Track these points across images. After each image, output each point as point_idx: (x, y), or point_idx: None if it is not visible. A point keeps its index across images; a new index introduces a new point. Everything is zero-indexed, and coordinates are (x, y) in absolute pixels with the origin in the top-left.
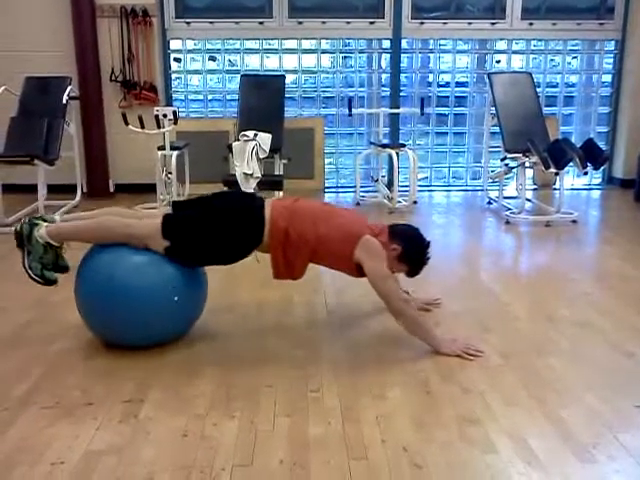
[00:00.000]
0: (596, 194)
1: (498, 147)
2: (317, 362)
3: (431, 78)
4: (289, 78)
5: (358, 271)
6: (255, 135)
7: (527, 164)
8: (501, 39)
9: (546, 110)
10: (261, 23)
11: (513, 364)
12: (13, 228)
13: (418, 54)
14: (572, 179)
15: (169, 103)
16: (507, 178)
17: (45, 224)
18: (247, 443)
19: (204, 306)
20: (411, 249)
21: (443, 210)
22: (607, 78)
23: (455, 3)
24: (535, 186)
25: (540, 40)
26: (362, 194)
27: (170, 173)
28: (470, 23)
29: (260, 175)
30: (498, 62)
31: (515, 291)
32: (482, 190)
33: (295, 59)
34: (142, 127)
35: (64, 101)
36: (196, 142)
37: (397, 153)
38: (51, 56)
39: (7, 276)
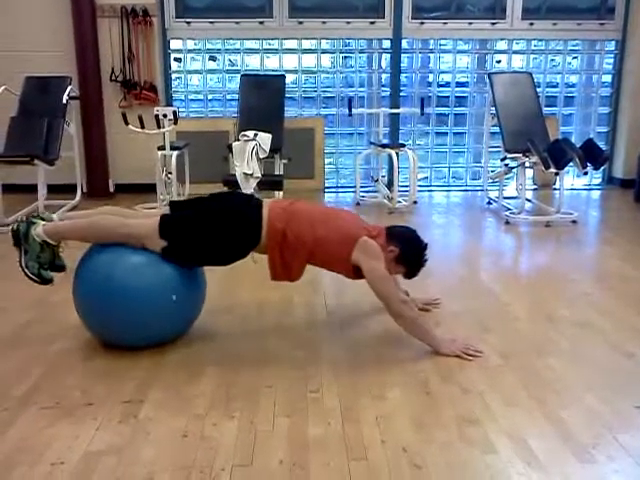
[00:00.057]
0: (596, 194)
1: (498, 147)
2: (317, 362)
3: (431, 78)
4: (289, 78)
5: (355, 273)
6: (255, 135)
7: (527, 164)
8: (501, 39)
9: (546, 110)
10: (261, 23)
11: (513, 364)
12: (8, 226)
13: (418, 54)
14: (572, 179)
15: (169, 103)
16: (507, 178)
17: (42, 223)
18: (247, 443)
19: (203, 306)
20: (409, 251)
21: (443, 210)
22: (607, 78)
23: (455, 3)
24: (535, 186)
25: (540, 40)
26: (362, 194)
27: (170, 173)
28: (470, 23)
29: (260, 175)
30: (498, 62)
31: (515, 291)
32: (482, 190)
33: (295, 59)
34: (142, 127)
35: (64, 101)
36: (196, 142)
37: (397, 153)
38: (51, 56)
39: (7, 276)
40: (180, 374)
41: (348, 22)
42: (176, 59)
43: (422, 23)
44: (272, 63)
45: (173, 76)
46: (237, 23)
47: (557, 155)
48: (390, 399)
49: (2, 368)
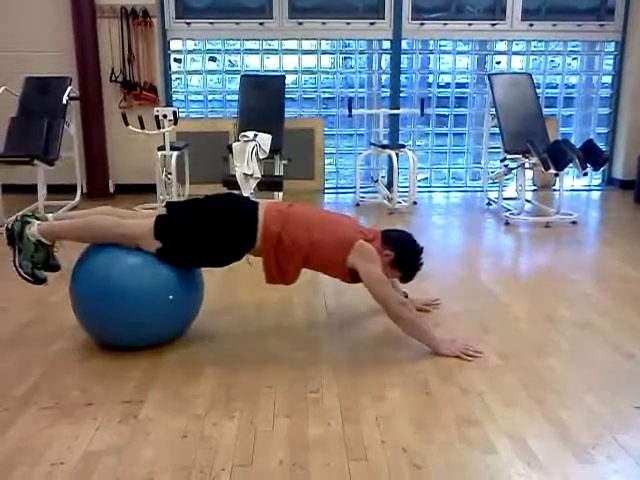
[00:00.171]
0: (596, 195)
1: (498, 148)
2: (317, 363)
3: (431, 79)
4: (289, 79)
5: (351, 277)
6: (255, 135)
7: (527, 165)
8: (501, 40)
9: (546, 111)
10: (261, 24)
11: (513, 365)
12: (5, 226)
13: (418, 55)
14: (572, 180)
15: (169, 103)
16: (507, 179)
17: (37, 222)
18: (247, 443)
19: (200, 307)
20: (404, 255)
21: (443, 211)
22: (607, 79)
23: (455, 4)
24: (535, 187)
25: (540, 41)
26: (362, 195)
27: (170, 173)
28: (470, 24)
29: (260, 176)
30: (498, 63)
31: (515, 292)
32: (482, 191)
33: (295, 60)
34: (142, 127)
35: (64, 101)
36: (196, 142)
37: (397, 154)
38: (51, 56)
39: (7, 276)
40: (180, 374)
41: (348, 23)
42: (176, 60)
43: (422, 24)
44: (272, 64)
45: (173, 77)
46: (237, 24)
47: (557, 156)
48: (390, 399)
49: (2, 368)
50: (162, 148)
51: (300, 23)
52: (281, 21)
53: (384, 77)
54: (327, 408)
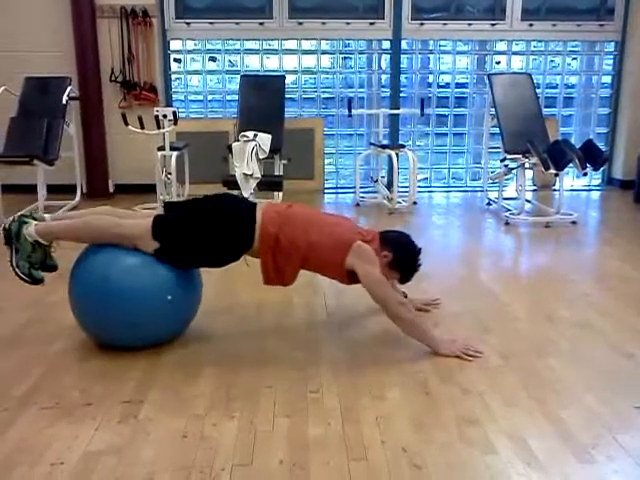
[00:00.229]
0: (596, 195)
1: (498, 148)
2: (317, 363)
3: (431, 79)
4: (289, 79)
5: (349, 278)
6: (255, 135)
7: (527, 165)
8: (501, 40)
9: (546, 111)
10: (261, 24)
11: (513, 365)
12: (2, 226)
13: (418, 55)
14: (572, 180)
15: (169, 103)
16: (507, 179)
17: (34, 222)
18: (247, 443)
19: (199, 307)
20: (402, 256)
21: (443, 211)
22: (607, 79)
23: (455, 4)
24: (535, 187)
25: (540, 41)
26: (362, 195)
27: (170, 173)
28: (470, 24)
29: (260, 176)
30: (498, 63)
31: (515, 292)
32: (482, 191)
33: (295, 60)
34: (142, 127)
35: (64, 101)
36: (196, 143)
37: (397, 154)
38: (51, 56)
39: (6, 276)
40: (180, 374)
41: (348, 23)
42: (176, 60)
43: (422, 24)
44: (272, 64)
45: (173, 77)
46: (237, 24)
47: (557, 156)
48: (390, 399)
49: (2, 368)
50: (162, 148)
51: (300, 23)
52: (281, 21)
53: (384, 77)
54: (327, 408)
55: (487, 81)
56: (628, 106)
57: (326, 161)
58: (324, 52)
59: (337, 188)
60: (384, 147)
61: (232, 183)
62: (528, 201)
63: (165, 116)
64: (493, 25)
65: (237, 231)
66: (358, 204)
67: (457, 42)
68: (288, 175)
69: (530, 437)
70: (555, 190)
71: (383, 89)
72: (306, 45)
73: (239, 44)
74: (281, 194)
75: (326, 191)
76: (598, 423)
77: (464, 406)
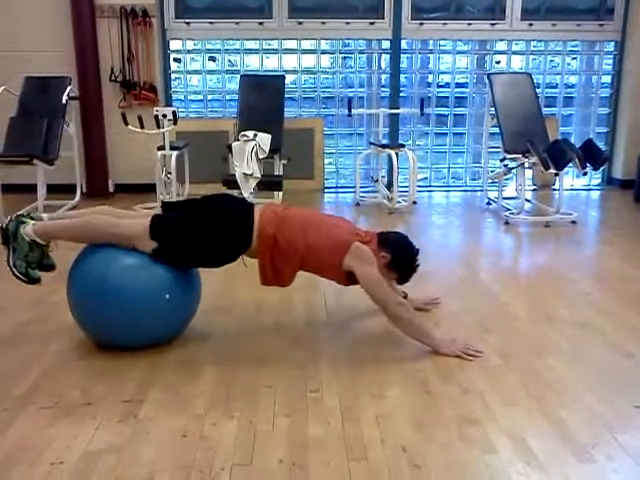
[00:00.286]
0: (595, 195)
1: (497, 148)
2: (317, 362)
3: (431, 79)
4: (289, 78)
5: (347, 279)
6: (255, 135)
7: (526, 165)
8: (501, 40)
9: (546, 111)
10: (261, 23)
11: (513, 364)
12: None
13: (418, 55)
14: (571, 180)
15: (169, 103)
16: (506, 179)
17: (32, 222)
18: (246, 443)
19: (198, 306)
20: (400, 257)
21: (442, 210)
22: (607, 79)
23: (455, 4)
24: (534, 187)
25: (540, 41)
26: (362, 194)
27: (170, 173)
28: (470, 24)
29: (260, 175)
30: (498, 63)
31: (515, 291)
32: (481, 190)
33: (295, 59)
34: (142, 127)
35: (64, 101)
36: (196, 142)
37: (397, 153)
38: (51, 56)
39: (7, 276)
40: (179, 374)
41: (348, 22)
42: (175, 59)
43: (421, 24)
44: (272, 63)
45: (173, 76)
46: (237, 23)
47: (556, 156)
48: (390, 398)
49: (2, 367)
50: (162, 148)
51: (300, 23)
52: (281, 21)
53: (384, 77)
54: (327, 407)
55: (487, 81)
56: (628, 106)
57: (326, 161)
58: (324, 52)
59: (337, 188)
60: (384, 147)
61: (232, 183)
62: (528, 201)
63: (165, 116)
64: (493, 25)
65: (235, 231)
66: (358, 204)
67: (457, 42)
68: (288, 175)
69: (530, 436)
70: (555, 190)
71: (383, 89)
72: (306, 45)
73: (239, 44)
74: (281, 194)
75: (326, 191)
76: (598, 423)
77: (464, 405)
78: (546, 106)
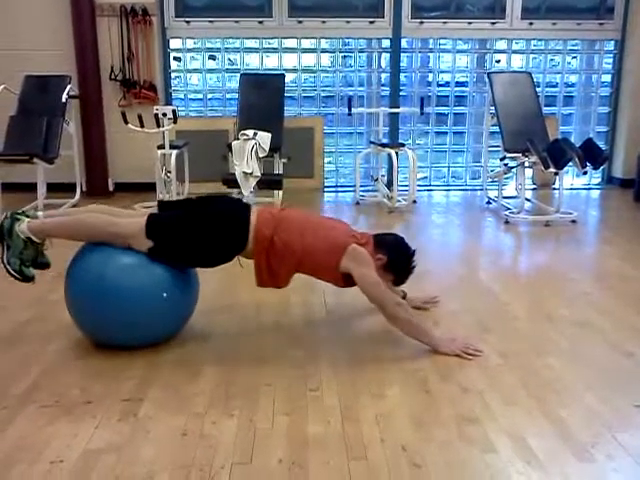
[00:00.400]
0: (595, 194)
1: (497, 147)
2: (316, 361)
3: (431, 78)
4: (289, 77)
5: (344, 281)
6: (255, 134)
7: (526, 164)
8: (501, 39)
9: (546, 110)
10: (261, 22)
11: (512, 364)
12: None
13: (418, 53)
14: (571, 179)
15: (169, 102)
16: (506, 178)
17: (27, 219)
18: (246, 442)
19: (195, 305)
20: (396, 258)
21: (442, 210)
22: (607, 78)
23: (455, 3)
24: (534, 186)
25: (540, 40)
26: (362, 193)
27: (170, 172)
28: (470, 23)
29: (259, 174)
30: (498, 62)
31: (514, 291)
32: (481, 190)
33: (295, 58)
34: (142, 126)
35: (63, 100)
36: (196, 141)
37: (397, 152)
38: (51, 55)
39: (7, 275)
40: (179, 373)
41: (348, 21)
42: (175, 58)
43: (421, 22)
44: (272, 62)
45: (172, 75)
46: (237, 22)
47: (556, 155)
48: (390, 397)
49: (1, 366)
50: (162, 147)
51: (300, 22)
52: (281, 20)
53: (384, 76)
54: (326, 406)
55: (487, 80)
56: (628, 105)
57: (326, 160)
58: (324, 51)
59: (337, 187)
60: (384, 146)
61: (232, 182)
62: (528, 200)
63: (165, 114)
64: (493, 24)
65: (231, 232)
66: (358, 203)
67: (457, 41)
68: (288, 174)
69: (530, 436)
70: (555, 189)
71: (383, 88)
72: (306, 44)
73: (239, 43)
74: (281, 193)
75: (326, 190)
76: (598, 422)
77: (464, 405)
78: (546, 105)
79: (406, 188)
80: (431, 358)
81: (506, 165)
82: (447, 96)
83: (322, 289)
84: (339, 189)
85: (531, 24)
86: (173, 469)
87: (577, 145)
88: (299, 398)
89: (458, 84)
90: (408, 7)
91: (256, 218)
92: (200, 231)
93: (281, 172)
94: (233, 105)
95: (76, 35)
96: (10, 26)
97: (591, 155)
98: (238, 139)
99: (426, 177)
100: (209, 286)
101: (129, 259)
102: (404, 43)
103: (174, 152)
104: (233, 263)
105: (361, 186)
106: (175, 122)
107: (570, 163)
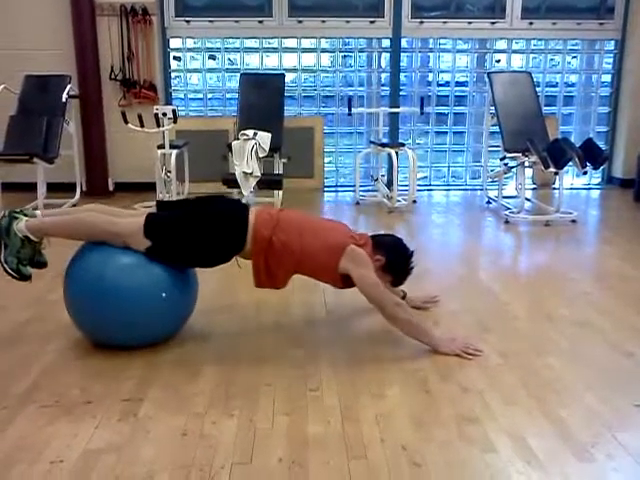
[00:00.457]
0: (595, 194)
1: (497, 146)
2: (316, 361)
3: (431, 77)
4: (289, 77)
5: (343, 282)
6: (255, 134)
7: (526, 163)
8: (501, 38)
9: (546, 110)
10: (261, 22)
11: (512, 363)
12: None
13: (418, 53)
14: (571, 179)
15: (169, 102)
16: (506, 177)
17: (25, 218)
18: (246, 441)
19: (195, 305)
20: (395, 259)
21: (442, 209)
22: (607, 78)
23: (455, 2)
24: (534, 186)
25: (540, 40)
26: (362, 193)
27: (170, 172)
28: (470, 22)
29: (259, 174)
30: (498, 61)
31: (514, 290)
32: (481, 189)
33: (295, 58)
34: (142, 126)
35: (63, 99)
36: (196, 141)
37: (396, 152)
38: (51, 54)
39: (4, 273)
40: (179, 373)
41: (348, 21)
42: (175, 58)
43: (422, 22)
44: (272, 62)
45: (173, 75)
46: (237, 22)
47: (556, 155)
48: (390, 397)
49: (1, 366)
50: (162, 146)
51: (300, 21)
52: (281, 19)
53: (384, 75)
54: (326, 406)
55: (487, 79)
56: (628, 105)
57: (326, 159)
58: (324, 50)
59: (337, 187)
60: (384, 145)
61: (232, 181)
62: (528, 200)
63: (165, 114)
64: (493, 23)
65: (229, 232)
66: (358, 203)
67: (457, 40)
68: (288, 174)
69: (530, 436)
70: (555, 189)
71: (383, 87)
72: (306, 43)
73: (239, 42)
74: (281, 193)
75: (326, 189)
76: (598, 422)
77: (464, 404)
78: (546, 105)
79: (406, 188)
80: (431, 358)
81: (506, 165)
82: (447, 96)
83: (322, 289)
84: (339, 189)
85: (531, 24)
86: (173, 469)
87: (577, 145)
88: (299, 398)
89: (458, 84)
90: (408, 7)
91: (255, 218)
92: (198, 231)
93: (281, 172)
94: (233, 105)
95: (76, 35)
96: (10, 26)
97: (591, 155)
98: (238, 139)
99: (426, 177)
100: (209, 286)
101: (128, 259)
102: (404, 43)
103: (174, 152)
104: (231, 263)
105: (361, 186)
106: (175, 122)
107: (570, 163)
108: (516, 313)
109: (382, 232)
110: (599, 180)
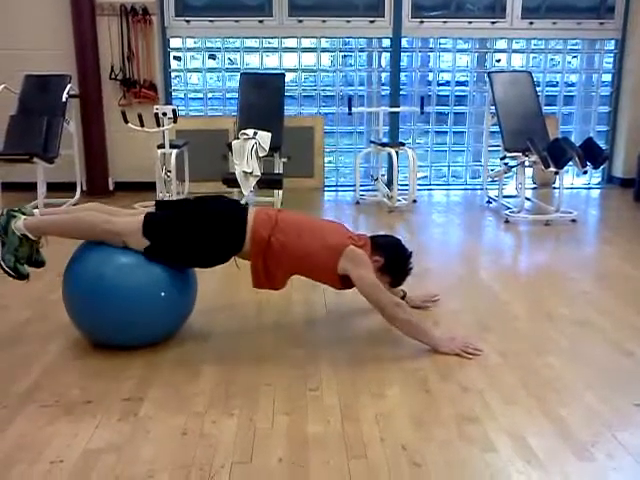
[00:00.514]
0: (596, 193)
1: (498, 146)
2: (316, 361)
3: (431, 77)
4: (289, 76)
5: (342, 283)
6: (255, 133)
7: (527, 163)
8: (501, 38)
9: (546, 109)
10: (261, 22)
11: (512, 363)
12: None
13: (418, 53)
14: (572, 178)
15: (169, 101)
16: (507, 177)
17: (23, 217)
18: (246, 441)
19: (194, 304)
20: (393, 260)
21: (443, 209)
22: (607, 77)
23: (455, 2)
24: (534, 185)
25: (540, 39)
26: (362, 193)
27: (170, 171)
28: (470, 22)
29: (259, 174)
30: (498, 61)
31: (514, 290)
32: (482, 189)
33: (295, 57)
34: (142, 125)
35: (64, 99)
36: (196, 140)
37: (397, 152)
38: (51, 54)
39: (1, 272)
40: (179, 372)
41: (348, 21)
42: (176, 57)
43: (422, 22)
44: (272, 62)
45: (173, 74)
46: (237, 22)
47: (557, 154)
48: (389, 397)
49: (2, 366)
50: (162, 146)
51: (300, 21)
52: (281, 19)
53: (384, 75)
54: (326, 406)
55: (487, 79)
56: (628, 104)
57: (326, 159)
58: (324, 50)
59: (337, 186)
60: (384, 145)
61: (232, 181)
62: (528, 199)
63: (165, 114)
64: (493, 23)
65: (228, 232)
66: (358, 202)
67: (457, 40)
68: (288, 173)
69: (530, 435)
70: (555, 188)
71: (383, 87)
72: (306, 43)
73: (239, 42)
74: (281, 192)
75: (326, 189)
76: (598, 421)
77: (464, 404)
78: (546, 104)
79: (406, 187)
80: (431, 357)
81: (506, 164)
82: (447, 95)
83: (322, 289)
84: (339, 188)
85: (531, 23)
86: (173, 469)
87: (577, 144)
88: (299, 398)
89: (458, 83)
90: (408, 6)
91: (253, 219)
92: (197, 231)
93: (281, 171)
94: (233, 104)
95: (76, 34)
96: (10, 26)
97: (591, 154)
98: (238, 138)
99: (426, 176)
100: (209, 285)
101: (127, 258)
102: (404, 42)
103: (174, 151)
104: (230, 263)
105: (361, 185)
106: (175, 121)
107: (570, 162)
108: (516, 312)
109: (381, 232)
110: (599, 180)
